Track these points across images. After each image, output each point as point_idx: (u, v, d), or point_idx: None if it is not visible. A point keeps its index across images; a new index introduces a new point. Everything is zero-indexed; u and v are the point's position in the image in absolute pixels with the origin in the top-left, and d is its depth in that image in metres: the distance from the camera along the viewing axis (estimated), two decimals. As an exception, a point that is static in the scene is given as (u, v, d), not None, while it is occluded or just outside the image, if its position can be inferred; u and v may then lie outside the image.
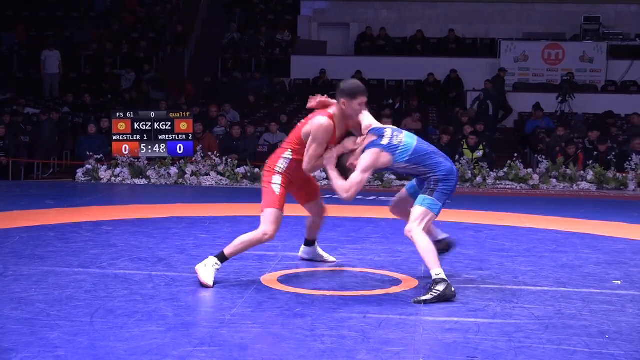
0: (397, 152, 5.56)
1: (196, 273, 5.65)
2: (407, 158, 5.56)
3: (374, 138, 5.63)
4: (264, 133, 16.36)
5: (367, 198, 11.88)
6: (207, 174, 13.75)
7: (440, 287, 5.29)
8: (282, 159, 5.81)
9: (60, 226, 8.29)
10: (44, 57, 20.36)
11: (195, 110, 16.76)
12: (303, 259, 6.63)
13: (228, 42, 22.41)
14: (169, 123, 14.54)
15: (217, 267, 5.63)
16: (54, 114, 17.29)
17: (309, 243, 6.63)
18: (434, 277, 5.35)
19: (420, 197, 5.59)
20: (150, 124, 14.52)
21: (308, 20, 23.14)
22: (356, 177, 5.59)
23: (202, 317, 4.82)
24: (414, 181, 5.95)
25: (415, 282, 5.88)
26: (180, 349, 4.16)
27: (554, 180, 13.79)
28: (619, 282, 6.09)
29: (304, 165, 5.71)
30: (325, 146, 5.69)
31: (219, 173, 13.76)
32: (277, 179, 5.76)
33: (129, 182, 13.71)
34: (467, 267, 6.56)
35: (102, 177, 13.87)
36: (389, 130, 5.70)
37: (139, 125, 14.48)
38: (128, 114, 14.62)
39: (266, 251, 6.99)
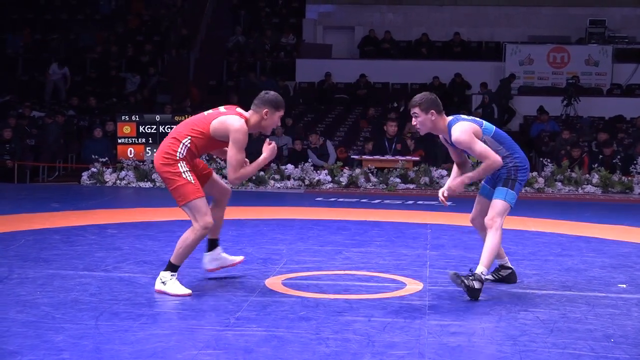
0: (483, 126, 5.57)
1: (162, 293, 5.41)
2: (492, 133, 5.57)
3: (451, 117, 5.59)
4: (269, 136, 16.34)
5: (372, 202, 11.88)
6: (212, 177, 13.77)
7: (477, 285, 5.37)
8: (181, 145, 5.42)
9: (66, 229, 8.30)
10: (52, 71, 20.36)
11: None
12: (210, 270, 5.95)
13: (233, 45, 22.44)
14: (174, 126, 14.55)
15: (175, 277, 5.44)
16: (59, 117, 17.33)
17: (212, 245, 5.94)
18: (478, 271, 5.40)
19: (502, 190, 5.58)
20: (155, 127, 14.55)
21: (313, 23, 23.16)
22: (478, 148, 5.42)
23: (207, 321, 4.81)
24: (484, 183, 5.87)
25: (420, 286, 5.87)
26: (185, 352, 4.16)
27: (559, 184, 13.77)
28: (624, 285, 6.08)
29: (231, 176, 5.41)
30: (244, 152, 5.46)
31: (223, 176, 13.78)
32: (183, 166, 5.39)
33: (134, 185, 13.73)
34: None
35: (107, 180, 13.89)
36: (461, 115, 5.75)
37: (144, 129, 14.51)
38: (133, 117, 14.66)
39: (270, 255, 6.99)
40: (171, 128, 14.18)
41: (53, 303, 5.10)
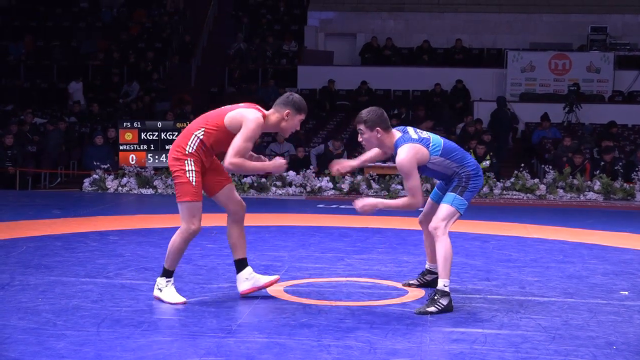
0: (430, 145, 5.42)
1: (159, 300, 5.39)
2: (440, 152, 5.43)
3: (398, 135, 5.47)
4: (271, 143, 16.39)
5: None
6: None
7: (444, 301, 5.27)
8: (193, 137, 5.29)
9: (67, 236, 8.30)
10: (72, 90, 20.35)
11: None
12: (243, 292, 5.60)
13: (235, 52, 22.46)
14: (176, 133, 14.59)
15: (170, 283, 5.39)
16: (61, 124, 17.35)
17: (241, 265, 5.64)
18: (440, 286, 5.31)
19: (450, 195, 5.46)
20: (157, 133, 14.57)
21: (315, 30, 23.19)
22: (409, 183, 5.34)
23: (209, 327, 4.81)
24: (436, 188, 5.84)
25: (421, 293, 5.87)
26: (186, 359, 4.16)
27: (561, 191, 13.77)
28: (626, 292, 6.07)
29: (228, 159, 5.19)
30: (252, 144, 5.30)
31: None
32: (190, 165, 5.26)
33: (135, 192, 13.74)
34: (474, 277, 6.54)
35: (109, 187, 13.90)
36: (409, 127, 5.59)
37: (145, 135, 14.53)
38: (135, 124, 14.67)
39: (272, 261, 6.99)
40: (173, 135, 14.50)
41: (54, 310, 5.10)
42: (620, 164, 14.59)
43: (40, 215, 10.13)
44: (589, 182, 13.95)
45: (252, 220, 9.75)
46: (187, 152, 5.28)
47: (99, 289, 5.74)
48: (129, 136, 14.56)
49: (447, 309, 5.26)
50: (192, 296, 5.59)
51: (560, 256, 7.71)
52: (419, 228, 6.02)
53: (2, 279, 6.03)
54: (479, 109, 19.62)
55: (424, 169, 5.50)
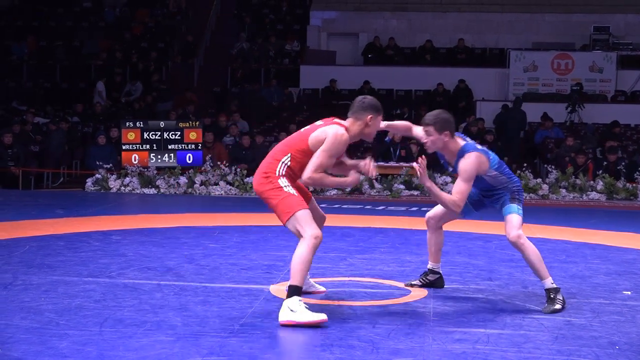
0: (490, 157, 5.53)
1: (288, 324, 4.84)
2: (496, 165, 5.54)
3: (462, 142, 5.52)
4: (273, 143, 16.38)
5: (377, 208, 11.87)
6: (216, 184, 13.78)
7: (561, 296, 5.47)
8: (280, 164, 5.16)
9: (70, 235, 8.31)
10: (100, 88, 20.32)
11: (207, 120, 16.79)
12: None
13: (237, 52, 22.47)
14: (179, 133, 14.61)
15: (302, 302, 4.92)
16: (63, 124, 17.36)
17: None
18: (548, 286, 5.47)
19: (513, 205, 5.55)
20: (159, 133, 14.58)
21: (317, 30, 23.18)
22: (462, 186, 5.38)
23: (211, 327, 4.81)
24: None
25: (424, 293, 5.87)
26: (189, 359, 4.16)
27: (564, 191, 13.76)
28: (629, 292, 6.07)
29: (307, 173, 5.09)
30: (335, 160, 5.20)
31: (228, 182, 13.77)
32: (284, 182, 5.11)
33: (138, 191, 13.74)
34: (476, 277, 6.54)
35: (112, 186, 13.91)
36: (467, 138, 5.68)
37: (148, 135, 14.55)
38: (137, 124, 14.68)
39: (275, 261, 6.99)
40: (175, 134, 14.50)
41: (57, 309, 5.10)
42: (623, 163, 14.58)
43: (43, 214, 10.13)
44: (591, 182, 13.94)
45: (255, 220, 9.77)
46: (277, 174, 5.14)
47: (101, 289, 5.74)
48: (131, 136, 14.57)
49: (564, 303, 5.47)
50: (195, 296, 5.59)
51: (563, 256, 7.71)
52: (422, 228, 6.02)
53: (5, 278, 6.04)
54: (481, 109, 19.62)
55: (477, 179, 5.52)
